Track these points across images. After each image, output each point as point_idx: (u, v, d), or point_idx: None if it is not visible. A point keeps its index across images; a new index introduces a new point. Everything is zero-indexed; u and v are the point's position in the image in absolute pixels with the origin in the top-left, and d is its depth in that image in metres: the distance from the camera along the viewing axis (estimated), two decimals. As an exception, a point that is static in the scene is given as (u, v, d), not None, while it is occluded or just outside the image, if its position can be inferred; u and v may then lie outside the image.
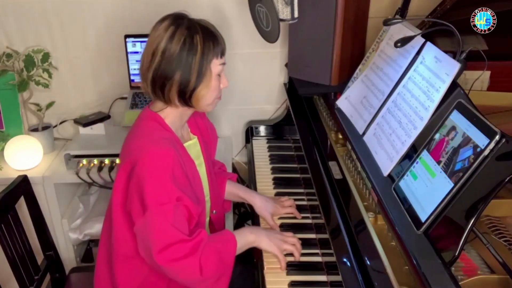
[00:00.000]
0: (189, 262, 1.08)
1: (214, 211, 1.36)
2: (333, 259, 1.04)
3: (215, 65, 1.14)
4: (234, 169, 2.06)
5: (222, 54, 1.16)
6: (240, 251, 1.21)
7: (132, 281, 1.21)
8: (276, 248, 1.21)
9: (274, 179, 1.62)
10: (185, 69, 1.10)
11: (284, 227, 1.36)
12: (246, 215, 2.09)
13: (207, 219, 1.33)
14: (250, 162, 1.78)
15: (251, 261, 1.30)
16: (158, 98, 1.17)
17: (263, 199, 1.42)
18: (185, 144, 1.23)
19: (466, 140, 0.89)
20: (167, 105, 1.17)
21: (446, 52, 1.10)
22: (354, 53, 1.62)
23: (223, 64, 1.17)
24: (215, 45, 1.13)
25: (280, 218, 1.40)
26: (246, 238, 1.20)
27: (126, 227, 1.15)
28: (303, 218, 1.40)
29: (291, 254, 1.24)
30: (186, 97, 1.14)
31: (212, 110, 1.23)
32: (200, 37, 1.10)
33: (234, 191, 1.45)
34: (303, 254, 1.24)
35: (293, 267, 1.21)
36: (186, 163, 1.17)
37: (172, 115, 1.19)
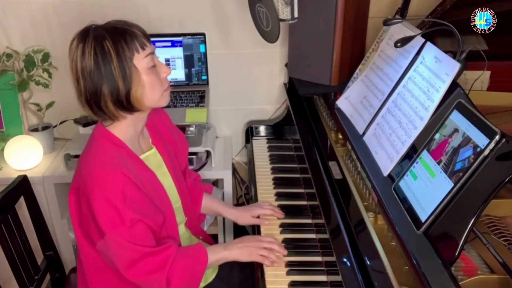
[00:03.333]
0: (156, 277, 1.09)
1: (187, 217, 1.34)
2: (333, 259, 1.04)
3: (139, 60, 1.06)
4: (234, 169, 2.06)
5: (144, 45, 1.07)
6: (212, 266, 1.24)
7: None
8: (248, 257, 1.22)
9: (274, 179, 1.62)
10: (109, 78, 1.04)
11: (284, 227, 1.36)
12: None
13: (181, 226, 1.31)
14: (250, 162, 1.78)
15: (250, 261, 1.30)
16: (102, 117, 1.11)
17: (239, 209, 1.44)
18: (142, 156, 1.18)
19: (466, 140, 0.89)
20: (115, 120, 1.11)
21: (446, 52, 1.10)
22: (354, 53, 1.62)
23: (150, 54, 1.09)
24: (128, 42, 1.05)
25: (280, 218, 1.40)
26: (218, 254, 1.21)
27: (87, 243, 1.13)
28: (303, 218, 1.40)
29: (291, 254, 1.24)
30: (124, 105, 1.07)
31: (166, 103, 1.15)
32: (109, 41, 1.03)
33: (209, 205, 1.44)
34: (303, 254, 1.25)
35: (293, 267, 1.21)
36: (142, 177, 1.13)
37: (123, 127, 1.13)
